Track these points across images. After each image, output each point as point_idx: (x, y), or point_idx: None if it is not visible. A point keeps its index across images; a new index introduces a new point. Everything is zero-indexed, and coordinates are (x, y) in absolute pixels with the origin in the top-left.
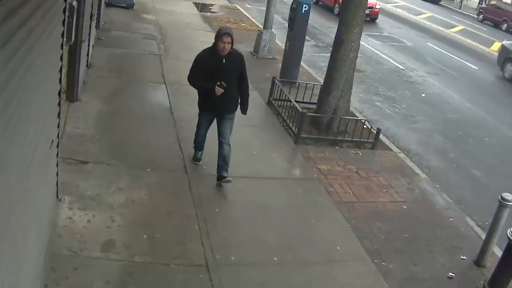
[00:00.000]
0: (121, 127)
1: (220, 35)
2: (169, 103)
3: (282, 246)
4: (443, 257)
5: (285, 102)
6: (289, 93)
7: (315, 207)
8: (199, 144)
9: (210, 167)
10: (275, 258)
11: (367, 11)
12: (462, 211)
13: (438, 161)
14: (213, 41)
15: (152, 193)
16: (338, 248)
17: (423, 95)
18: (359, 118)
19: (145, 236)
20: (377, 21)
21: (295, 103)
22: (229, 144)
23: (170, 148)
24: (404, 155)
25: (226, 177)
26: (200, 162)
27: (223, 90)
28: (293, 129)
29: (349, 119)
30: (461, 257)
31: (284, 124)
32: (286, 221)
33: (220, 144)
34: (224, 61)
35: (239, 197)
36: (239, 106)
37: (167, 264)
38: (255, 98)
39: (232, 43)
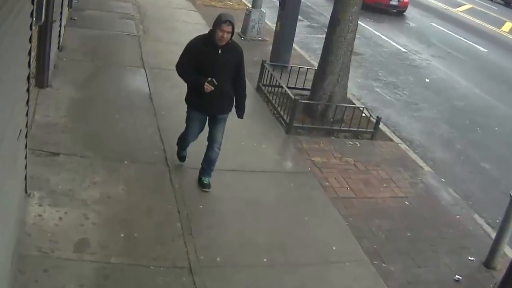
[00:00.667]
0: (96, 115)
1: (219, 22)
2: (149, 89)
3: (272, 246)
4: (449, 258)
5: (276, 88)
6: (280, 78)
7: (308, 203)
8: (182, 147)
9: (195, 159)
10: (265, 259)
11: (395, 2)
12: (470, 207)
13: (443, 152)
14: (198, 21)
15: (130, 188)
16: (334, 248)
17: (427, 80)
18: (357, 106)
19: (122, 235)
20: None
21: (286, 89)
22: (219, 149)
23: (149, 139)
24: (407, 146)
25: (207, 183)
26: (186, 161)
27: (213, 88)
28: (285, 117)
29: (346, 106)
30: (469, 258)
31: (275, 112)
32: (277, 218)
33: (210, 148)
34: (220, 52)
35: (225, 192)
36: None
37: (147, 266)
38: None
39: (232, 32)
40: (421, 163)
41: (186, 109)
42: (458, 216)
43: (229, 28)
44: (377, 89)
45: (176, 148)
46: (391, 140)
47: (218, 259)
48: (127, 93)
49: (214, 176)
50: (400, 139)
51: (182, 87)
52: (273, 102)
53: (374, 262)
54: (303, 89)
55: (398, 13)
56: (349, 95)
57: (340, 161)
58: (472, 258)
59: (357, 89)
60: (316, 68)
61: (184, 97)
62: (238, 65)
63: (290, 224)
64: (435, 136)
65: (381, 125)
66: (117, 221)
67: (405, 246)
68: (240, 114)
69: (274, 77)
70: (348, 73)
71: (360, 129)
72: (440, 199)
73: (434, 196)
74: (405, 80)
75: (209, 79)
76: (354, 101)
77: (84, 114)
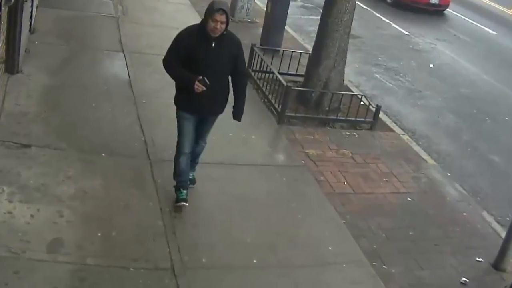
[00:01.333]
0: (71, 104)
1: (211, 11)
2: (128, 75)
3: (263, 246)
4: (455, 259)
5: (267, 74)
6: (272, 63)
7: (302, 199)
8: (182, 173)
9: None
10: (255, 260)
11: (435, 1)
12: (478, 204)
13: (449, 144)
14: (181, 1)
15: (108, 183)
16: (330, 248)
17: (431, 65)
18: (355, 93)
19: (99, 234)
20: None
21: (278, 75)
22: (206, 143)
23: (129, 129)
24: (409, 137)
25: (192, 178)
26: (188, 204)
27: (204, 89)
28: (276, 106)
29: (343, 94)
30: (477, 259)
31: (266, 100)
32: (267, 216)
33: (197, 143)
34: (213, 45)
35: (212, 187)
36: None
37: (126, 268)
38: None
39: (227, 22)
40: (424, 155)
41: (175, 111)
42: (465, 214)
43: (223, 18)
44: (377, 75)
45: (160, 142)
46: (392, 130)
47: (203, 260)
48: (104, 79)
49: (199, 170)
50: (402, 129)
51: (164, 73)
52: (264, 89)
53: (374, 263)
54: (296, 75)
55: (437, 12)
56: (346, 82)
57: (336, 153)
58: (480, 259)
59: (355, 75)
60: (310, 52)
61: (174, 97)
62: (235, 59)
63: (282, 222)
64: (440, 126)
65: (381, 115)
66: (93, 219)
67: (407, 246)
68: (237, 116)
69: (264, 62)
70: (345, 57)
71: (358, 119)
72: (446, 195)
73: (438, 191)
74: (408, 65)
75: (200, 77)
76: (352, 88)
77: (58, 103)
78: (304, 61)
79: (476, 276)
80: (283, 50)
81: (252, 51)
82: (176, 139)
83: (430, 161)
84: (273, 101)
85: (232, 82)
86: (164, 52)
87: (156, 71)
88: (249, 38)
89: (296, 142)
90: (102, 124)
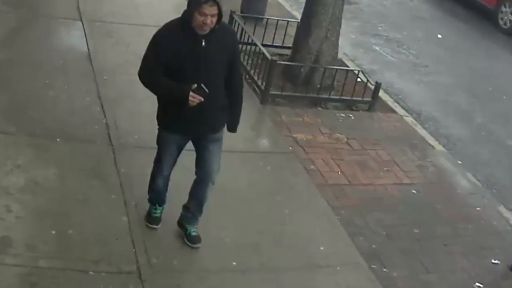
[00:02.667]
0: (20, 81)
1: (198, 2)
2: (87, 47)
3: (244, 246)
4: (467, 261)
5: (248, 47)
6: (254, 33)
7: (289, 191)
8: (158, 193)
9: (145, 136)
10: (234, 263)
11: None
12: (493, 197)
13: (460, 127)
14: None
15: (64, 173)
16: (322, 248)
17: (439, 36)
18: (351, 69)
19: (53, 232)
20: None
21: (261, 47)
22: (214, 183)
23: (88, 110)
24: (413, 120)
25: (196, 235)
26: (159, 226)
27: (201, 99)
28: (259, 83)
29: (336, 69)
30: (492, 261)
31: (247, 76)
32: (249, 211)
33: (200, 182)
34: (203, 43)
35: (184, 177)
36: None
37: (84, 271)
38: None
39: (219, 15)
40: (431, 141)
41: (157, 128)
42: (478, 208)
43: (214, 10)
44: (376, 47)
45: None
46: (393, 111)
47: (174, 262)
48: (59, 52)
49: None
50: (405, 110)
51: (129, 44)
52: (245, 64)
53: (373, 266)
54: (282, 47)
55: None
56: (340, 55)
57: (329, 138)
58: (496, 261)
59: (351, 47)
60: (298, 21)
61: (156, 114)
62: (231, 59)
63: (266, 219)
64: (450, 106)
65: (381, 93)
66: (47, 215)
67: (412, 246)
68: (233, 127)
69: (245, 32)
70: (340, 27)
71: (354, 98)
72: (456, 187)
73: (448, 182)
74: (412, 35)
75: (195, 85)
76: (347, 63)
77: (5, 80)
78: (292, 31)
79: (491, 280)
80: (267, 18)
81: (231, 19)
82: (157, 154)
83: (438, 147)
84: (255, 78)
85: (226, 85)
86: (129, 19)
87: (120, 43)
88: (228, 4)
89: (283, 125)
90: (57, 104)
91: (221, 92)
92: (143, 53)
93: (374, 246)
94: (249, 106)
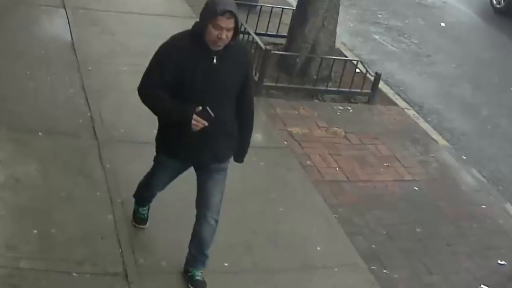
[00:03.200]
0: (0, 71)
1: (213, 13)
2: (71, 36)
3: (236, 245)
4: (472, 261)
5: (241, 35)
6: (247, 22)
7: (284, 188)
8: (146, 199)
9: (132, 130)
10: (226, 264)
11: None
12: (500, 194)
13: (464, 120)
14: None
15: (46, 169)
16: (319, 248)
17: (442, 24)
18: (349, 59)
19: (35, 231)
20: None
21: (255, 36)
22: (217, 221)
23: (71, 103)
24: (415, 112)
25: (201, 280)
26: (147, 225)
27: (206, 124)
28: (253, 74)
29: (334, 59)
30: (499, 261)
31: None
32: (242, 209)
33: (201, 219)
34: (215, 61)
35: None
36: None
37: (68, 272)
38: None
39: (236, 30)
40: (434, 135)
41: (155, 152)
42: (484, 206)
43: (230, 23)
44: (376, 36)
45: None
46: (394, 104)
47: (163, 263)
48: (41, 41)
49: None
50: (407, 102)
51: (115, 33)
52: None
53: (372, 267)
54: (277, 36)
55: None
56: (338, 45)
57: (326, 132)
58: (502, 262)
59: (350, 36)
60: (294, 8)
61: (155, 135)
62: (243, 80)
63: (260, 217)
64: (454, 98)
65: (381, 84)
66: (28, 213)
67: (413, 245)
68: (240, 156)
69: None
70: (337, 14)
71: (353, 90)
72: (460, 183)
73: (451, 179)
74: (414, 24)
75: (200, 108)
76: (345, 53)
77: None
78: (287, 18)
79: (497, 282)
80: (261, 6)
81: None
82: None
83: (442, 142)
84: None
85: (236, 109)
86: (115, 7)
87: (105, 31)
88: None
89: (277, 118)
90: (39, 96)
91: (230, 117)
92: (129, 42)
93: (373, 246)
94: None
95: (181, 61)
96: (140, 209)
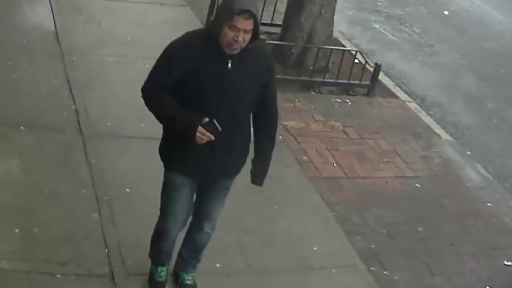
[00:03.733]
0: None
1: (229, 12)
2: (54, 25)
3: (229, 245)
4: (476, 262)
5: None
6: None
7: (279, 185)
8: (164, 253)
9: (119, 124)
10: (218, 265)
11: None
12: (506, 191)
13: (469, 114)
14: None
15: (28, 165)
16: (315, 249)
17: (446, 12)
18: (348, 49)
19: (17, 230)
20: None
21: None
22: (214, 229)
23: (55, 95)
24: (417, 105)
25: (191, 284)
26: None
27: (212, 138)
28: None
29: (331, 49)
30: (505, 262)
31: None
32: (234, 207)
33: (195, 226)
34: (230, 66)
35: (162, 170)
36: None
37: (51, 274)
38: (187, 16)
39: (255, 31)
40: (437, 129)
41: (162, 167)
42: (489, 204)
43: (249, 24)
44: (376, 25)
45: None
46: (395, 96)
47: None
48: (23, 30)
49: (148, 147)
50: (408, 95)
51: (101, 22)
52: None
53: (372, 268)
54: (271, 25)
55: None
56: (336, 34)
57: (323, 126)
58: (508, 263)
59: (348, 24)
60: None
61: (158, 146)
62: (263, 88)
63: (254, 215)
64: (458, 90)
65: (381, 76)
66: (9, 211)
67: (415, 245)
68: (259, 177)
69: None
70: (335, 2)
71: (351, 82)
72: (465, 180)
73: (455, 175)
74: (415, 12)
75: (206, 120)
76: (344, 42)
77: None
78: (282, 7)
79: (504, 284)
80: None
81: None
82: (161, 203)
83: (445, 136)
84: None
85: (254, 121)
86: None
87: (90, 20)
88: None
89: None
90: (21, 88)
91: (245, 129)
92: (116, 31)
93: (373, 246)
94: None
95: (191, 62)
96: (159, 269)
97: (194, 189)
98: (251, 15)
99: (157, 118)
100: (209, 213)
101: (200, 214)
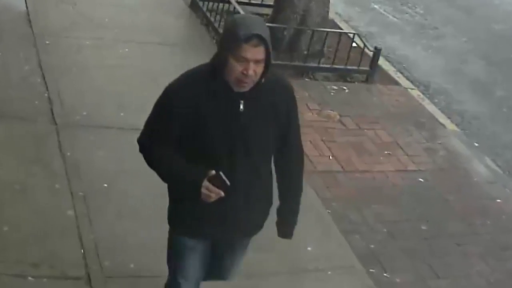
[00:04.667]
0: None
1: (234, 39)
2: (26, 5)
3: None
4: (485, 263)
5: (221, 4)
6: None
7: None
8: None
9: (95, 113)
10: None
11: None
12: None
13: (477, 102)
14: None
15: None
16: (309, 249)
17: None
18: (345, 31)
19: None
20: None
21: (236, 5)
22: (234, 276)
23: (26, 82)
24: (420, 93)
25: None
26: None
27: (221, 195)
28: None
29: (327, 32)
30: None
31: (219, 40)
32: None
33: (214, 278)
34: (242, 107)
35: (143, 163)
36: None
37: (22, 276)
38: None
39: (267, 60)
40: (442, 118)
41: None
42: (498, 200)
43: (259, 53)
44: (376, 6)
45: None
46: (396, 83)
47: (131, 265)
48: None
49: (127, 138)
50: (411, 81)
51: (76, 2)
52: (216, 25)
53: (371, 270)
54: (262, 5)
55: None
56: (332, 15)
57: (318, 115)
58: None
59: (345, 5)
60: None
61: (168, 206)
62: (285, 129)
63: None
64: (464, 77)
65: (381, 61)
66: None
67: (418, 245)
68: (286, 230)
69: None
70: None
71: (349, 67)
72: (472, 174)
73: (462, 169)
74: None
75: (212, 173)
76: (340, 24)
77: None
78: None
79: None
80: None
81: None
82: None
83: (450, 126)
84: None
85: (277, 165)
86: None
87: (64, 1)
88: None
89: None
90: None
91: (266, 177)
92: (92, 13)
93: (372, 246)
94: None
95: (194, 107)
96: None
97: (209, 246)
98: (261, 40)
99: (160, 176)
100: (228, 268)
101: (217, 269)
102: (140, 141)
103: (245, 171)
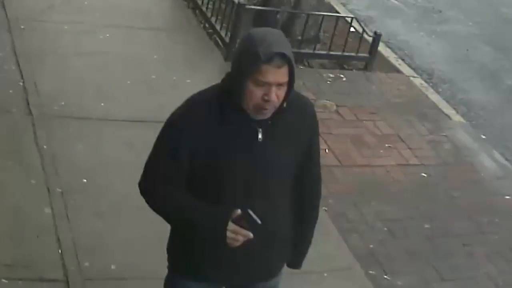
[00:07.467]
0: None
1: (254, 60)
2: None
3: None
4: (493, 265)
5: None
6: None
7: None
8: None
9: (74, 103)
10: None
11: None
12: None
13: (483, 91)
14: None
15: None
16: None
17: None
18: (342, 15)
19: None
20: None
21: None
22: None
23: (0, 70)
24: (423, 81)
25: None
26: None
27: (251, 236)
28: (223, 34)
29: (323, 16)
30: None
31: (207, 25)
32: None
33: None
34: (260, 136)
35: (127, 156)
36: None
37: None
38: None
39: (290, 83)
40: (447, 109)
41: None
42: (508, 197)
43: (283, 75)
44: None
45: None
46: (397, 71)
47: (112, 267)
48: None
49: (108, 130)
50: (413, 69)
51: None
52: (204, 9)
53: (370, 271)
54: None
55: None
56: None
57: (314, 106)
58: None
59: None
60: None
61: (167, 243)
62: (306, 156)
63: None
64: (470, 64)
65: (381, 47)
66: None
67: (421, 245)
68: (296, 260)
69: None
70: None
71: (346, 54)
72: (479, 169)
73: (468, 163)
74: None
75: (238, 212)
76: (337, 8)
77: None
78: None
79: None
80: None
81: None
82: None
83: (456, 117)
84: (218, 28)
85: (295, 190)
86: None
87: None
88: None
89: None
90: None
91: (286, 211)
92: None
93: (372, 246)
94: (210, 64)
95: (205, 140)
96: None
97: None
98: (285, 59)
99: (169, 222)
100: None
101: None
102: (142, 184)
103: (264, 207)
